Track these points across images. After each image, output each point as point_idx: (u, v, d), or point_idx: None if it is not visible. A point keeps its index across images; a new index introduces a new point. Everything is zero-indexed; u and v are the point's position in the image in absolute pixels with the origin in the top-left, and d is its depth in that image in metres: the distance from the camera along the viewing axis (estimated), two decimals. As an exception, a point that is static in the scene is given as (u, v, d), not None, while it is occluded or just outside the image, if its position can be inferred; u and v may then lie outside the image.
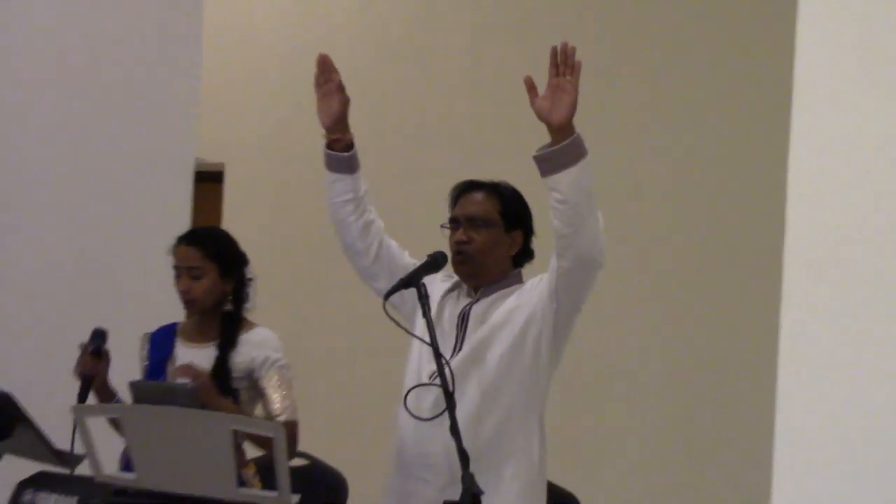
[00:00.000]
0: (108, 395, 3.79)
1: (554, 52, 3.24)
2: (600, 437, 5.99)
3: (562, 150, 3.23)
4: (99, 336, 3.80)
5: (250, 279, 3.98)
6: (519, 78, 3.31)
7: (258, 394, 3.81)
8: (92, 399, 3.73)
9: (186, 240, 3.86)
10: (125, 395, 3.59)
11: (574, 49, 3.23)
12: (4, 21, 4.96)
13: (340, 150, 3.59)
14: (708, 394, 5.94)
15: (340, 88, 3.55)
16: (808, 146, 2.00)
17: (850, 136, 1.98)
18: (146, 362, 3.91)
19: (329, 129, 3.58)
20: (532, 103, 3.26)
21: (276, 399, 3.74)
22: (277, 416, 3.70)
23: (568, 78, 3.22)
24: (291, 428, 3.68)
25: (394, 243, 3.65)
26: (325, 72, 3.57)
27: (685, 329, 6.03)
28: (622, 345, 6.08)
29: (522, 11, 6.53)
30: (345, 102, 3.56)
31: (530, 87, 3.26)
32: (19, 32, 5.02)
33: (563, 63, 3.23)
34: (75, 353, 3.77)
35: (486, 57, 6.50)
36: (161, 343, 3.90)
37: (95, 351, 3.77)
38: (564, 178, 3.24)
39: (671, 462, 5.96)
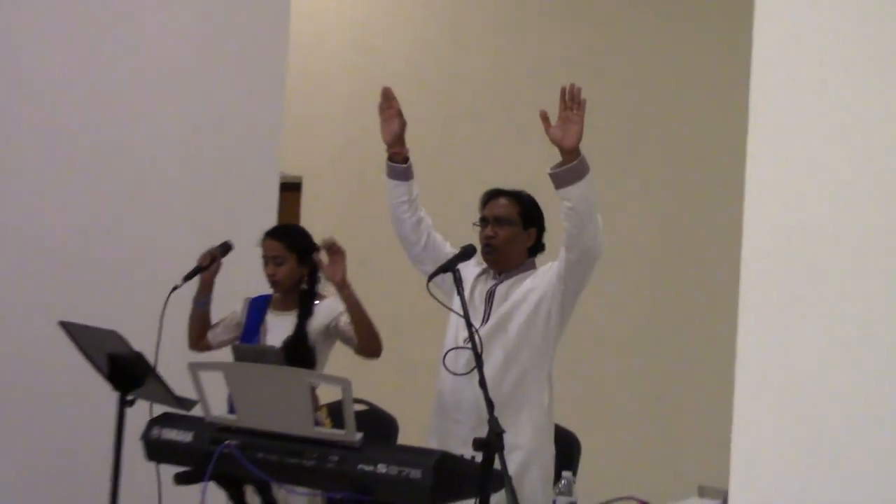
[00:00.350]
0: (206, 289, 3.98)
1: (563, 91, 3.35)
2: (595, 388, 6.01)
3: (571, 169, 3.33)
4: (224, 247, 4.02)
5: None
6: (534, 107, 3.39)
7: (334, 340, 3.94)
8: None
9: (272, 235, 3.99)
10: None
11: (580, 89, 3.34)
12: (118, 52, 4.99)
13: (399, 161, 3.67)
14: (678, 351, 5.96)
15: (399, 114, 3.65)
16: (766, 136, 1.80)
17: (811, 127, 1.78)
18: (243, 320, 4.01)
19: (390, 145, 3.67)
20: (546, 131, 3.37)
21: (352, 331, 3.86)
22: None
23: (575, 112, 3.32)
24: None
25: (438, 236, 3.74)
26: (388, 100, 3.67)
27: (661, 304, 6.04)
28: (612, 314, 6.09)
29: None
30: (403, 125, 3.66)
31: (544, 119, 3.36)
32: (131, 65, 5.04)
33: (571, 100, 3.34)
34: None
35: (508, 81, 6.52)
36: (257, 308, 4.02)
37: (215, 253, 3.98)
38: (574, 191, 3.33)
39: (651, 410, 5.99)
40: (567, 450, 3.83)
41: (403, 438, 4.19)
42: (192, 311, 4.01)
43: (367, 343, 3.82)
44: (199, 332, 4.04)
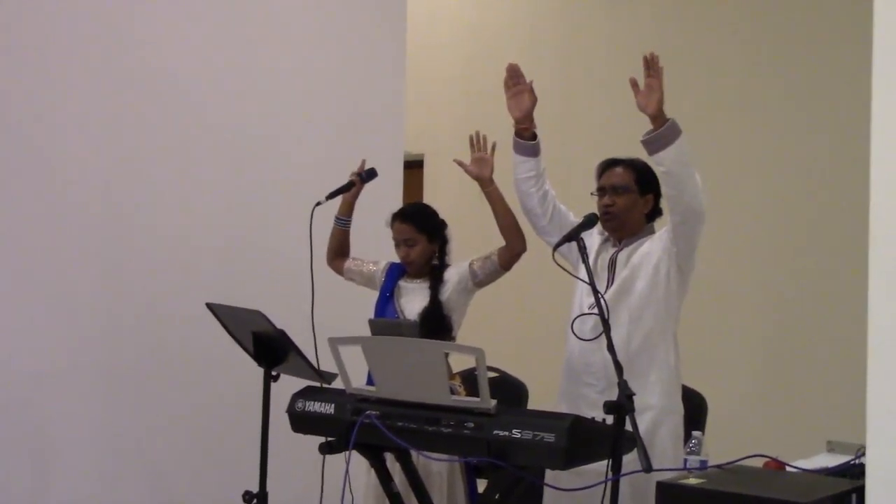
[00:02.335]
0: (347, 209, 4.15)
1: (644, 60, 3.33)
2: (719, 348, 5.91)
3: (659, 135, 3.31)
4: (370, 172, 4.15)
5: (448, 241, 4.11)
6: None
7: (471, 293, 3.98)
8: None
9: (400, 217, 4.00)
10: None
11: (657, 57, 3.32)
12: (250, 46, 5.10)
13: (527, 138, 3.63)
14: (802, 308, 5.81)
15: (530, 90, 3.61)
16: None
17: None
18: (379, 280, 4.08)
19: (519, 121, 3.65)
20: (636, 100, 3.35)
21: (486, 255, 3.92)
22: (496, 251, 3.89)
23: (654, 78, 3.30)
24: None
25: (563, 207, 3.71)
26: (515, 76, 3.62)
27: (786, 265, 5.89)
28: (736, 272, 5.97)
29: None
30: (534, 101, 3.63)
31: (634, 86, 3.36)
32: (265, 61, 5.16)
33: (651, 68, 3.32)
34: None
35: (622, 53, 6.40)
36: (393, 274, 4.07)
37: (361, 175, 4.12)
38: (665, 155, 3.31)
39: (775, 368, 5.85)
40: (694, 410, 3.77)
41: (533, 404, 4.21)
42: (333, 227, 4.16)
43: (512, 238, 3.85)
44: (336, 250, 4.18)
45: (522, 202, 3.75)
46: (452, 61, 7.49)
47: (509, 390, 4.24)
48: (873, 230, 1.70)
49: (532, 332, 6.60)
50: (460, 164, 3.93)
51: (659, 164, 3.36)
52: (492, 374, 4.30)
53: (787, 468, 2.89)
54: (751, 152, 6.02)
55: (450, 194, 6.52)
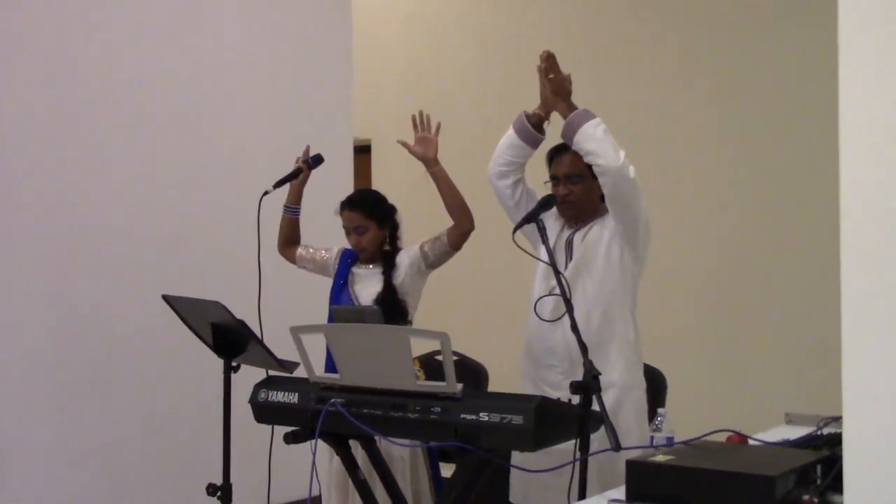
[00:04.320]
0: (295, 197, 4.10)
1: (543, 60, 3.44)
2: (674, 326, 5.95)
3: (568, 124, 3.39)
4: (316, 158, 4.11)
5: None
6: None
7: (425, 274, 3.96)
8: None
9: (349, 205, 3.97)
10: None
11: (552, 54, 3.43)
12: (197, 36, 5.06)
13: (537, 128, 3.59)
14: (755, 290, 5.86)
15: (569, 81, 3.50)
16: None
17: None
18: (332, 268, 4.04)
19: (541, 108, 3.56)
20: (543, 96, 3.50)
21: (435, 236, 3.90)
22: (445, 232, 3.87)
23: (555, 77, 3.43)
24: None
25: (531, 188, 3.67)
26: (552, 65, 3.48)
27: (738, 238, 5.94)
28: (689, 253, 6.01)
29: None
30: (569, 93, 3.49)
31: (541, 80, 3.47)
32: (212, 51, 5.11)
33: (550, 66, 3.43)
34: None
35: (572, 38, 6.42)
36: (346, 260, 4.04)
37: (307, 161, 4.08)
38: (578, 139, 3.37)
39: (727, 345, 5.91)
40: (655, 387, 3.79)
41: (494, 386, 4.19)
42: (282, 216, 4.11)
43: (460, 217, 3.83)
44: (286, 239, 4.14)
45: (496, 181, 3.67)
46: (397, 45, 7.45)
47: (469, 374, 4.23)
48: (844, 200, 1.67)
49: (489, 314, 6.60)
50: (404, 144, 3.89)
51: (578, 150, 3.39)
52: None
53: (750, 442, 2.91)
54: (699, 126, 6.06)
55: (398, 178, 6.49)
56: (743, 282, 5.88)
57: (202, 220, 4.93)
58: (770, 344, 5.71)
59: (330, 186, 4.34)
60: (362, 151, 7.21)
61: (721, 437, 2.94)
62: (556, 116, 3.55)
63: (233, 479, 3.57)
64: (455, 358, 4.26)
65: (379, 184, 7.10)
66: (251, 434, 3.61)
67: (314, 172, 4.15)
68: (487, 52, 7.01)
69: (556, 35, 6.47)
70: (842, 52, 1.68)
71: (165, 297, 3.62)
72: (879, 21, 1.65)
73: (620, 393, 3.43)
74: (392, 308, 3.75)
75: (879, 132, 1.66)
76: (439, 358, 4.27)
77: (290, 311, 3.97)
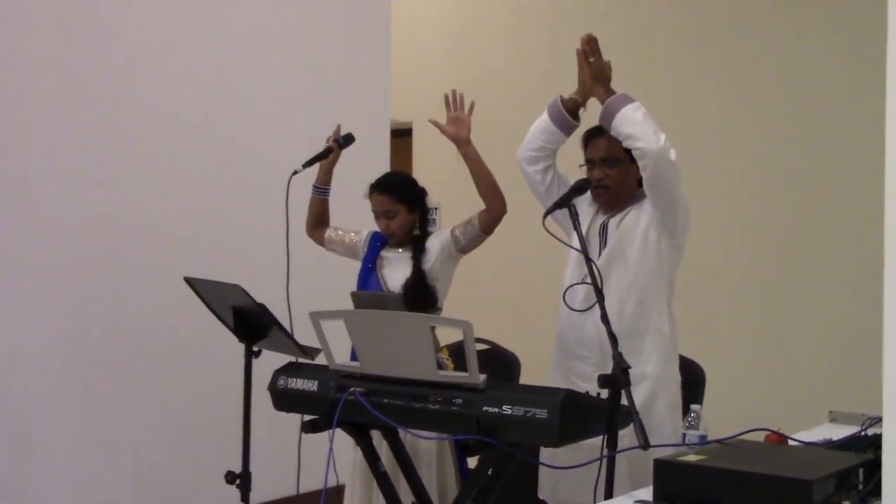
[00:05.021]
0: (325, 177, 3.99)
1: (583, 45, 3.31)
2: (717, 319, 5.79)
3: (606, 108, 3.25)
4: (347, 138, 3.98)
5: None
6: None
7: (456, 260, 3.82)
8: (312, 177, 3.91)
9: (378, 189, 3.83)
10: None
11: (594, 38, 3.30)
12: (233, 18, 4.98)
13: (572, 114, 3.45)
14: (801, 283, 5.69)
15: (609, 67, 3.36)
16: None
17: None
18: (361, 251, 3.92)
19: (579, 93, 3.42)
20: (582, 80, 3.37)
21: (467, 220, 3.78)
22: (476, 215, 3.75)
23: (596, 61, 3.30)
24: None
25: (562, 172, 3.53)
26: (593, 49, 3.34)
27: (785, 230, 5.78)
28: (733, 244, 5.86)
29: None
30: (608, 80, 3.35)
31: (580, 63, 3.34)
32: (244, 29, 5.02)
33: (591, 51, 3.30)
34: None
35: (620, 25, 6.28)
36: (375, 244, 3.91)
37: (338, 141, 3.94)
38: (616, 123, 3.22)
39: (772, 339, 5.74)
40: (692, 381, 3.64)
41: (526, 377, 4.07)
42: (311, 196, 4.02)
43: (491, 200, 3.69)
44: (315, 219, 4.04)
45: (525, 165, 3.53)
46: (438, 26, 7.35)
47: (501, 363, 4.10)
48: (890, 193, 1.54)
49: (525, 303, 6.48)
50: (436, 124, 3.77)
51: (617, 135, 3.25)
52: (482, 347, 4.17)
53: (790, 441, 2.76)
54: (744, 119, 5.91)
55: (440, 161, 6.38)
56: (788, 274, 5.71)
57: (233, 203, 4.85)
58: (816, 338, 5.53)
59: (366, 169, 4.19)
60: (403, 135, 7.11)
61: (759, 437, 2.80)
62: (592, 104, 3.42)
63: (253, 468, 3.47)
64: (486, 347, 4.17)
65: (420, 167, 7.01)
66: (275, 421, 3.51)
67: (350, 155, 4.04)
68: (529, 33, 6.89)
69: (598, 19, 6.33)
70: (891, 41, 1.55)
71: (188, 280, 3.54)
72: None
73: (654, 386, 3.29)
74: (421, 294, 3.63)
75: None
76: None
77: (319, 295, 3.86)
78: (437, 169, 5.87)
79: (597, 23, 6.20)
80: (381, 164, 5.24)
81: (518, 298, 6.60)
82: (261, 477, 3.55)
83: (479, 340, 4.16)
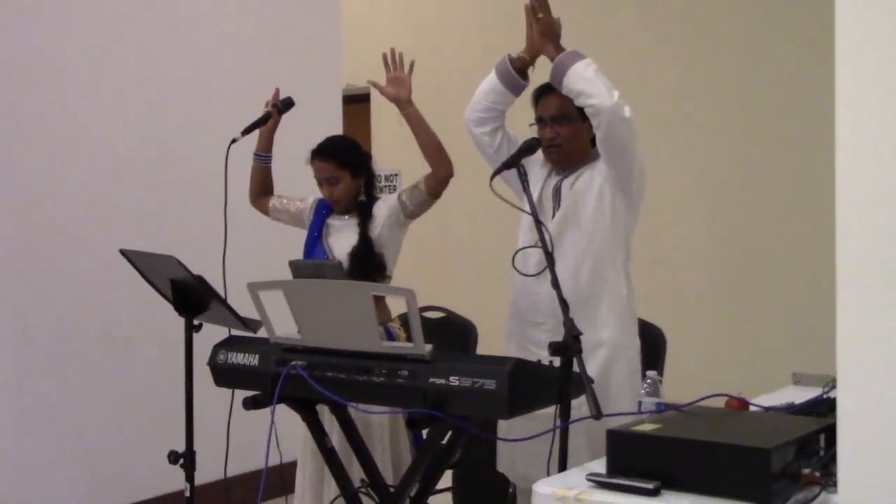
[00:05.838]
0: (265, 144, 3.83)
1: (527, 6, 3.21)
2: (678, 282, 5.70)
3: (555, 66, 3.14)
4: (286, 102, 3.82)
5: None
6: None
7: (404, 225, 3.70)
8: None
9: (319, 155, 3.69)
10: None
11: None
12: None
13: (521, 74, 3.31)
14: (763, 243, 5.61)
15: (559, 24, 3.24)
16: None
17: None
18: (307, 219, 3.80)
19: (527, 51, 3.28)
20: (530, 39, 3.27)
21: (413, 184, 3.66)
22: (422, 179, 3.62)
23: (544, 19, 3.19)
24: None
25: (512, 133, 3.39)
26: (542, 4, 3.21)
27: (744, 191, 5.69)
28: (693, 206, 5.77)
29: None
30: (557, 37, 3.22)
31: (528, 22, 3.25)
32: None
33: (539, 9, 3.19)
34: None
35: None
36: (321, 212, 3.77)
37: (277, 105, 3.78)
38: (567, 81, 3.11)
39: (734, 301, 5.66)
40: (652, 345, 3.53)
41: (484, 344, 3.96)
42: (252, 164, 3.87)
43: (436, 162, 3.56)
44: (258, 188, 3.89)
45: (473, 127, 3.40)
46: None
47: (457, 331, 4.02)
48: (839, 160, 1.47)
49: (483, 268, 6.37)
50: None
51: (568, 92, 3.12)
52: (437, 315, 4.06)
53: (751, 407, 2.65)
54: (701, 86, 5.83)
55: (399, 127, 6.27)
56: (751, 234, 5.65)
57: (173, 172, 4.68)
58: (780, 298, 5.46)
59: (318, 136, 4.02)
60: (361, 101, 6.93)
61: (720, 402, 2.70)
62: (541, 63, 3.28)
63: (198, 446, 3.33)
64: (441, 315, 4.04)
65: (379, 133, 6.86)
66: (220, 398, 3.37)
67: (301, 121, 3.88)
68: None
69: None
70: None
71: (123, 252, 3.38)
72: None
73: (611, 352, 3.17)
74: (368, 262, 3.50)
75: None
76: (428, 315, 4.06)
77: (264, 266, 3.71)
78: (396, 135, 5.74)
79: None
80: (332, 130, 5.05)
81: (476, 264, 6.49)
82: (206, 457, 3.40)
83: (434, 308, 4.05)
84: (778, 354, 5.13)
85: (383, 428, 3.48)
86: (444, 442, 2.91)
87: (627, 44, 6.01)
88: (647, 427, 2.27)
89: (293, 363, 2.80)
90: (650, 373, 2.75)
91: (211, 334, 3.28)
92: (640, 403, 2.66)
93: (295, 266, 3.20)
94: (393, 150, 6.24)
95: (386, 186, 7.01)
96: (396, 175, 6.89)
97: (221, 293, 3.26)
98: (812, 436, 2.14)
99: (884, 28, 1.46)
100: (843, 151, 1.50)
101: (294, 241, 3.77)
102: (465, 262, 6.58)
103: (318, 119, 4.96)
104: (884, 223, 1.46)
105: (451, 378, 2.60)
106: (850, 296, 1.48)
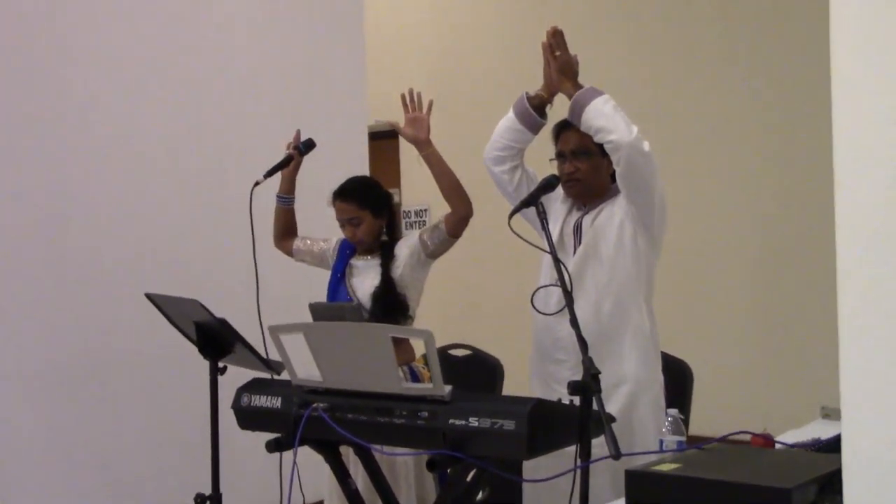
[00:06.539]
0: (288, 186, 3.86)
1: (549, 38, 3.22)
2: (705, 315, 5.64)
3: (574, 104, 3.15)
4: (307, 144, 3.85)
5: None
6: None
7: (427, 265, 3.71)
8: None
9: (340, 196, 3.71)
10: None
11: (560, 31, 3.21)
12: (219, 23, 4.84)
13: (538, 112, 3.33)
14: (793, 275, 5.55)
15: (576, 62, 3.25)
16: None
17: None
18: (331, 259, 3.82)
19: (545, 89, 3.30)
20: (549, 75, 3.28)
21: (434, 224, 3.70)
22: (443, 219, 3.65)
23: (562, 55, 3.20)
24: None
25: (531, 171, 3.40)
26: (560, 43, 3.24)
27: (773, 222, 5.63)
28: (721, 237, 5.72)
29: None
30: (575, 74, 3.23)
31: (546, 59, 3.26)
32: (211, 33, 4.91)
33: (556, 44, 3.21)
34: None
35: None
36: (345, 252, 3.80)
37: (298, 147, 3.81)
38: (586, 118, 3.12)
39: (763, 333, 5.59)
40: (678, 380, 3.50)
41: (510, 381, 3.94)
42: (276, 207, 3.90)
43: (455, 202, 3.57)
44: (282, 230, 3.92)
45: (493, 168, 3.42)
46: (422, 27, 7.23)
47: (482, 369, 4.00)
48: (838, 181, 1.46)
49: (509, 305, 6.34)
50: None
51: (587, 129, 3.14)
52: (463, 352, 4.05)
53: (777, 445, 2.63)
54: (732, 113, 5.79)
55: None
56: (779, 265, 5.59)
57: (200, 214, 4.71)
58: (808, 330, 5.39)
59: (345, 174, 4.04)
60: (388, 136, 6.96)
61: (747, 438, 2.67)
62: (559, 101, 3.29)
63: (223, 489, 3.34)
64: (468, 352, 4.04)
65: (408, 169, 6.89)
66: (249, 439, 3.38)
67: (328, 160, 3.91)
68: (510, 30, 6.77)
69: (586, 19, 6.21)
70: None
71: (149, 296, 3.41)
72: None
73: (635, 388, 3.17)
74: (390, 302, 3.51)
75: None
76: (454, 353, 4.06)
77: (289, 307, 3.72)
78: (426, 170, 5.77)
79: (585, 24, 6.11)
80: (359, 167, 5.10)
81: (502, 300, 6.48)
82: (232, 499, 3.41)
83: (459, 346, 4.05)
84: (809, 386, 5.06)
85: (408, 468, 3.48)
86: (468, 480, 2.90)
87: (665, 75, 6.00)
88: (667, 467, 2.26)
89: (314, 405, 2.80)
90: (671, 411, 2.73)
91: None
92: (661, 442, 2.64)
93: (314, 309, 3.23)
94: (423, 185, 6.24)
95: (416, 222, 7.03)
96: (426, 210, 6.90)
97: (257, 335, 3.27)
98: (834, 474, 2.11)
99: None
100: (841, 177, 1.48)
101: (321, 282, 3.80)
102: (492, 299, 6.57)
103: (345, 157, 4.99)
104: (882, 262, 1.44)
105: (471, 419, 2.59)
106: (853, 334, 1.47)
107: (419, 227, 3.94)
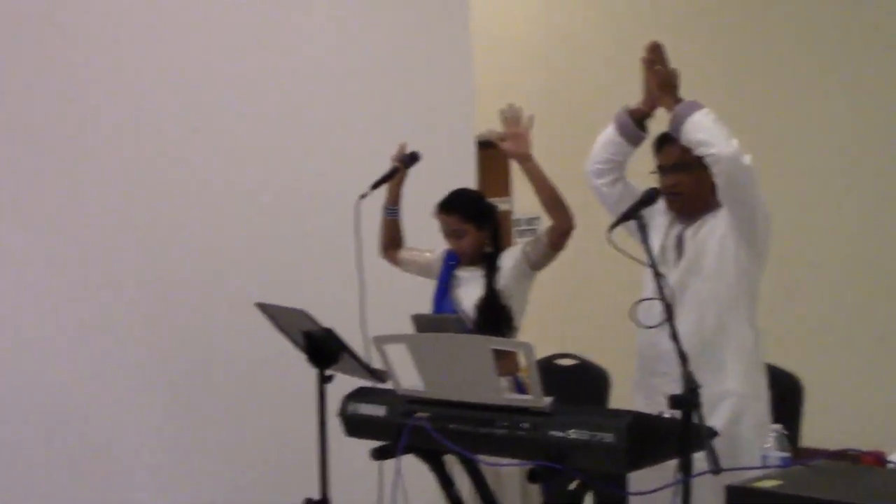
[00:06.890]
0: (393, 198, 3.95)
1: (649, 52, 3.21)
2: (818, 328, 5.50)
3: (672, 120, 3.15)
4: (412, 156, 3.94)
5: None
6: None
7: (530, 276, 3.73)
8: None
9: (444, 209, 3.78)
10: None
11: (659, 45, 3.20)
12: (303, 28, 4.96)
13: (640, 125, 3.34)
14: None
15: (675, 75, 3.25)
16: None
17: None
18: (435, 269, 3.88)
19: (645, 103, 3.32)
20: (648, 89, 3.28)
21: (536, 236, 3.74)
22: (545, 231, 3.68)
23: (661, 69, 3.19)
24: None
25: (632, 185, 3.40)
26: (659, 57, 3.24)
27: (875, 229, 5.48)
28: (833, 247, 5.58)
29: None
30: (675, 88, 3.23)
31: (647, 75, 3.26)
32: (317, 45, 4.99)
33: (656, 59, 3.21)
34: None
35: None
36: (449, 263, 3.86)
37: (402, 160, 3.90)
38: (685, 131, 3.10)
39: (878, 345, 5.42)
40: (788, 393, 3.44)
41: (618, 391, 3.93)
42: (382, 218, 3.99)
43: (556, 215, 3.59)
44: (388, 240, 4.01)
45: (591, 178, 3.44)
46: (531, 35, 7.25)
47: (589, 378, 4.00)
48: None
49: (616, 314, 6.28)
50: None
51: (687, 142, 3.12)
52: (570, 362, 4.06)
53: (889, 464, 2.57)
54: (831, 115, 5.66)
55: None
56: (894, 271, 5.40)
57: (307, 225, 4.79)
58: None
59: (452, 185, 4.09)
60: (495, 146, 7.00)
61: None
62: (660, 113, 3.29)
63: (330, 494, 3.42)
64: (574, 362, 4.04)
65: (519, 178, 6.87)
66: (355, 444, 3.45)
67: (435, 171, 3.97)
68: (621, 34, 6.74)
69: (700, 27, 6.15)
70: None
71: (260, 305, 3.51)
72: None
73: (738, 404, 3.13)
74: (494, 313, 3.55)
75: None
76: (561, 362, 4.07)
77: (398, 317, 3.79)
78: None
79: (696, 30, 6.05)
80: (466, 178, 5.12)
81: (609, 309, 6.41)
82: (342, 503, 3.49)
83: (566, 356, 4.06)
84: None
85: (514, 478, 3.50)
86: (571, 489, 2.91)
87: (751, 80, 5.90)
88: (767, 483, 2.24)
89: (417, 415, 2.85)
90: (775, 426, 2.70)
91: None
92: (764, 458, 2.61)
93: (417, 320, 3.28)
94: (534, 194, 6.26)
95: (527, 230, 7.05)
96: (537, 219, 6.90)
97: (360, 344, 3.34)
98: (942, 496, 2.07)
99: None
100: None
101: (424, 291, 3.86)
102: (599, 309, 6.53)
103: (452, 167, 5.02)
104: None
105: (571, 431, 2.60)
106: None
107: (531, 236, 3.96)
